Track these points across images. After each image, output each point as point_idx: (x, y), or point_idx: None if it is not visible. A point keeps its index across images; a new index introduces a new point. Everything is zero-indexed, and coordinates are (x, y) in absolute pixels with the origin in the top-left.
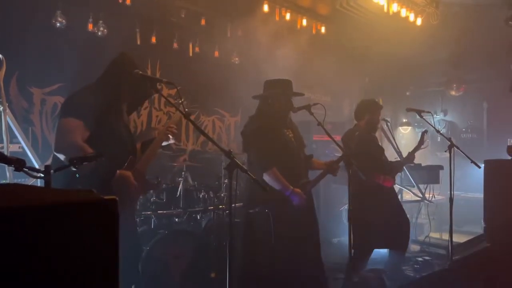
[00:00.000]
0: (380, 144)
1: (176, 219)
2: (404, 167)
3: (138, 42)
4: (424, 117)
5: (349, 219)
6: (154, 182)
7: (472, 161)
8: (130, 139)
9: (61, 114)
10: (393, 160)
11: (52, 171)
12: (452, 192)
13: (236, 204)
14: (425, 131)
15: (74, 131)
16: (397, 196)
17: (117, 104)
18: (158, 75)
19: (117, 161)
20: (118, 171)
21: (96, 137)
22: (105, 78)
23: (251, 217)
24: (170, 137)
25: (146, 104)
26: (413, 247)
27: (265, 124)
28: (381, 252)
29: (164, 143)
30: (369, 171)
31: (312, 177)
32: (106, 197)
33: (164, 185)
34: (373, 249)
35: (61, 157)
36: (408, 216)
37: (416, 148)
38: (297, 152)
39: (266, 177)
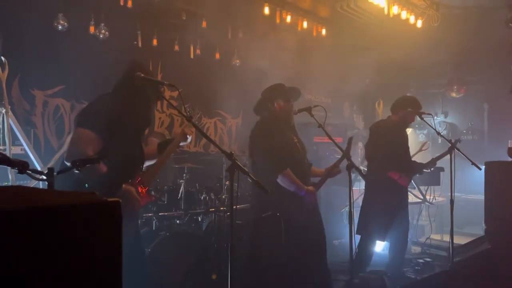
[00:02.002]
0: (407, 141)
1: (177, 221)
2: (421, 174)
3: (140, 45)
4: (424, 118)
5: (350, 219)
6: (154, 196)
7: (473, 163)
8: (141, 152)
9: (76, 124)
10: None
11: (55, 173)
12: (452, 194)
13: (238, 206)
14: (458, 140)
15: (87, 142)
16: (407, 196)
17: (133, 115)
18: (159, 78)
19: (125, 173)
20: (123, 185)
21: (110, 148)
22: (120, 88)
23: (263, 221)
24: (188, 137)
25: None
26: (414, 249)
27: (275, 128)
28: (382, 254)
29: (181, 143)
30: (386, 167)
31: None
32: (109, 199)
33: (165, 186)
34: (374, 243)
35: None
36: (409, 217)
37: (441, 156)
38: (302, 156)
39: (280, 179)
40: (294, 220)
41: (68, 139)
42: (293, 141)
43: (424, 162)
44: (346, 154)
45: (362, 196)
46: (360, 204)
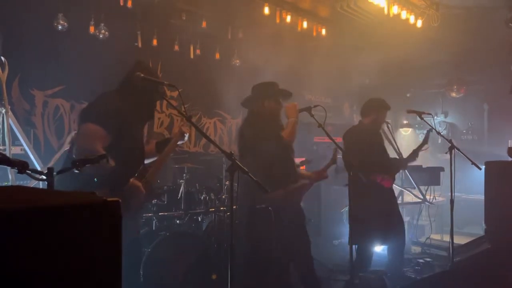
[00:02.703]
0: (383, 142)
1: (177, 221)
2: (405, 169)
3: (140, 45)
4: (424, 118)
5: (349, 218)
6: (158, 191)
7: (473, 163)
8: (142, 149)
9: (82, 120)
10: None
11: (55, 173)
12: (453, 194)
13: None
14: (430, 130)
15: (96, 138)
16: (394, 195)
17: (137, 112)
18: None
19: (130, 169)
20: (131, 180)
21: (116, 144)
22: (124, 86)
23: (257, 212)
24: (186, 135)
25: None
26: (414, 249)
27: (262, 125)
28: (381, 254)
29: (179, 142)
30: (368, 171)
31: None
32: (108, 199)
33: (165, 187)
34: (372, 246)
35: None
36: (409, 217)
37: (420, 147)
38: (287, 155)
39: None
40: (282, 212)
41: (68, 139)
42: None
43: (424, 161)
44: (333, 162)
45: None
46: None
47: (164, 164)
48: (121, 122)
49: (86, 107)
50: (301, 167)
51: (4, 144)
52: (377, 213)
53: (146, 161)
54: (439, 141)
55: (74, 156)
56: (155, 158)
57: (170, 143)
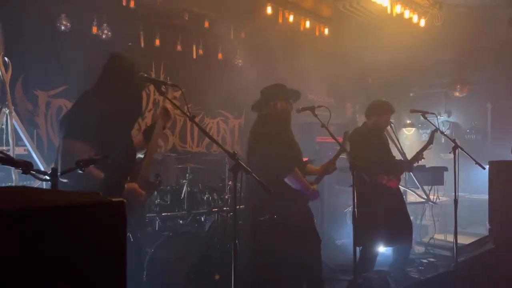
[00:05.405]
0: (387, 144)
1: (180, 221)
2: (410, 171)
3: (142, 45)
4: (428, 118)
5: (354, 219)
6: (155, 182)
7: (477, 162)
8: (132, 146)
9: (65, 134)
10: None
11: (59, 174)
12: (456, 194)
13: (240, 206)
14: (435, 130)
15: (76, 154)
16: (402, 196)
17: (120, 110)
18: (162, 78)
19: (123, 171)
20: (126, 186)
21: (102, 151)
22: (104, 84)
23: (261, 224)
24: (169, 114)
25: (150, 106)
26: (418, 249)
27: (280, 126)
28: (385, 254)
29: (167, 123)
30: (373, 172)
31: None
32: (113, 199)
33: (168, 187)
34: (377, 248)
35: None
36: (412, 217)
37: (425, 147)
38: (301, 156)
39: (289, 178)
40: (291, 222)
41: None
42: (295, 140)
43: (428, 161)
44: (342, 149)
45: None
46: None
47: (155, 153)
48: (103, 127)
49: (66, 116)
50: (309, 164)
51: (8, 144)
52: (383, 214)
53: (138, 155)
54: (443, 140)
55: (60, 178)
56: (144, 150)
57: (156, 129)
